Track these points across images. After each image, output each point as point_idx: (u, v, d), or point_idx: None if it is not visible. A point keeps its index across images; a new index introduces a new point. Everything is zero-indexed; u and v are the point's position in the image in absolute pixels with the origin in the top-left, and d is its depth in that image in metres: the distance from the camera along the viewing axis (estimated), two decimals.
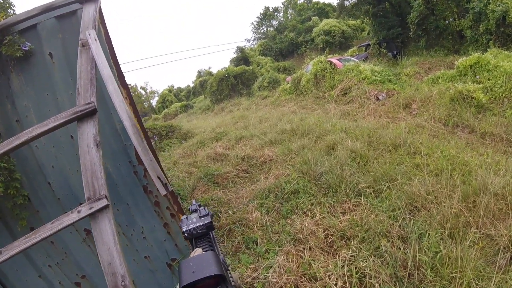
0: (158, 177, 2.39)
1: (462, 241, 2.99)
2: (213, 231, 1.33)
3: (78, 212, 2.19)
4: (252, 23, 41.91)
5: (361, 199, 4.24)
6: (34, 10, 3.23)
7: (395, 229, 3.42)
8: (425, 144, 5.68)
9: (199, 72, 41.23)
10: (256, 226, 4.38)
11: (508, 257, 2.94)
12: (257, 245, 4.02)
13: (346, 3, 21.92)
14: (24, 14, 3.22)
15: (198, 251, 1.20)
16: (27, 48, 3.22)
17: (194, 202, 1.45)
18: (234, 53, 32.20)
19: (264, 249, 3.78)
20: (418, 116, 7.98)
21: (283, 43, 32.43)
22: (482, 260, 2.89)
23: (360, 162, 5.34)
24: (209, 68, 40.27)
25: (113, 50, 3.47)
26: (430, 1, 16.33)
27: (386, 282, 2.80)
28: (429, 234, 3.17)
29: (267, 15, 39.01)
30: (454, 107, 7.49)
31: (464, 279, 2.57)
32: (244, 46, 34.86)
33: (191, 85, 42.16)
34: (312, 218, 4.08)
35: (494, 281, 2.54)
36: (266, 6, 40.82)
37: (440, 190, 3.86)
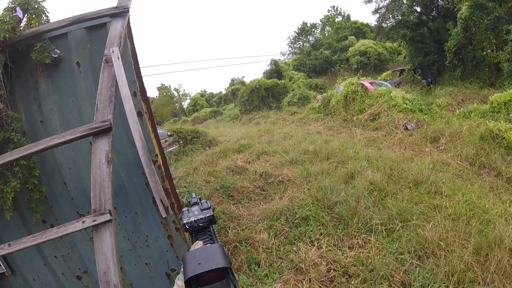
0: (161, 200, 2.48)
1: None
2: (214, 225, 1.28)
3: (83, 222, 2.39)
4: (289, 37, 42.03)
5: (371, 236, 4.15)
6: (65, 20, 3.42)
7: (399, 274, 3.31)
8: (447, 184, 5.47)
9: (232, 80, 41.98)
10: (262, 247, 4.38)
11: None
12: (259, 266, 4.02)
13: (384, 25, 21.65)
14: (56, 24, 3.43)
15: (198, 244, 1.17)
16: (56, 56, 3.43)
17: (193, 195, 1.41)
18: (268, 66, 32.54)
19: (264, 273, 3.77)
20: (445, 152, 7.71)
21: (317, 60, 32.40)
22: None
23: (378, 195, 5.21)
24: (243, 77, 40.82)
25: (138, 65, 3.60)
26: (469, 30, 15.86)
27: None
28: (431, 286, 3.04)
29: (304, 31, 39.15)
30: (483, 146, 7.16)
31: None
32: (279, 59, 35.13)
33: (223, 92, 42.92)
34: (318, 249, 4.04)
35: None
36: (304, 22, 41.11)
37: (454, 238, 3.70)
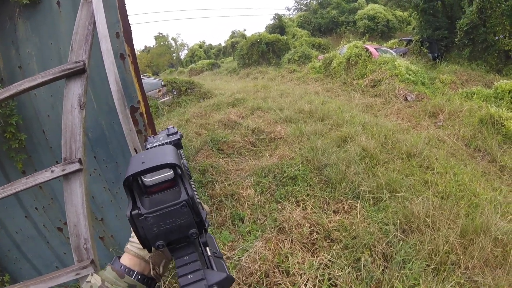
0: (135, 149, 2.34)
1: (445, 281, 2.84)
2: (182, 150, 1.15)
3: (52, 171, 2.26)
4: None
5: (358, 203, 4.10)
6: None
7: (382, 245, 3.29)
8: (441, 161, 5.43)
9: (232, 32, 40.85)
10: (247, 203, 4.33)
11: None
12: (242, 222, 3.98)
13: None
14: None
15: None
16: None
17: (170, 126, 1.24)
18: (271, 20, 31.52)
19: (247, 229, 3.73)
20: (442, 129, 7.69)
21: (323, 19, 31.22)
22: None
23: (369, 162, 5.15)
24: (244, 30, 39.56)
25: (123, 3, 3.24)
26: (484, 12, 15.29)
27: None
28: (413, 262, 3.03)
29: None
30: (481, 129, 7.13)
31: None
32: (283, 14, 34.06)
33: (223, 44, 41.74)
34: (303, 209, 3.99)
35: None
36: None
37: (441, 216, 3.68)
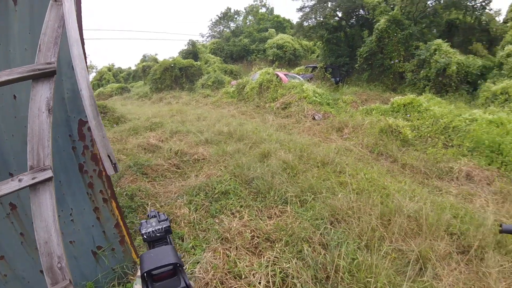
0: (108, 156, 2.23)
1: (377, 252, 3.27)
2: (170, 235, 1.40)
3: (19, 180, 1.94)
4: (211, 20, 41.52)
5: (287, 207, 4.43)
6: None
7: (316, 236, 3.63)
8: (351, 166, 6.10)
9: (144, 56, 39.80)
10: (184, 222, 4.33)
11: (416, 269, 3.30)
12: (183, 240, 3.97)
13: (305, 24, 22.74)
14: None
15: None
16: None
17: (153, 210, 1.53)
18: (185, 46, 31.67)
19: (190, 245, 3.76)
20: (348, 140, 8.57)
21: (235, 46, 32.61)
22: (393, 269, 3.19)
23: (290, 173, 5.59)
24: (156, 54, 38.77)
25: (81, 13, 3.04)
26: (382, 41, 17.82)
27: (307, 282, 2.97)
28: (347, 243, 3.42)
29: (227, 16, 38.92)
30: (382, 137, 8.18)
31: (378, 284, 2.84)
32: (197, 40, 34.57)
33: (133, 68, 40.32)
34: (240, 219, 4.16)
35: None
36: (229, 7, 40.89)
37: (360, 207, 4.18)
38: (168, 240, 1.39)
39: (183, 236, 4.04)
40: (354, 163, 6.48)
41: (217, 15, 41.14)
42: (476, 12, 19.18)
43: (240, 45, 32.57)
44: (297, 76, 17.48)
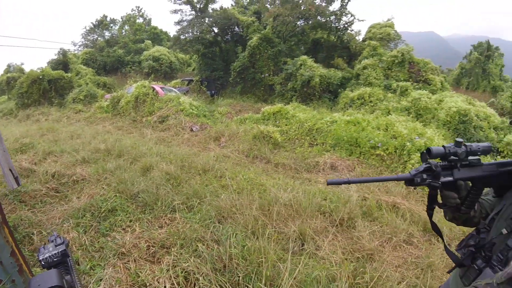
0: (10, 170, 2.12)
1: (262, 236, 3.70)
2: (69, 258, 1.38)
3: None
4: (85, 27, 37.72)
5: (176, 214, 4.58)
6: None
7: (208, 234, 3.92)
8: (230, 170, 6.59)
9: (8, 66, 33.71)
10: (75, 246, 4.13)
11: (298, 245, 3.89)
12: (79, 264, 3.81)
13: (183, 37, 23.04)
14: None
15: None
16: None
17: (55, 233, 1.48)
18: (56, 55, 28.34)
19: (88, 266, 3.65)
20: (225, 148, 9.14)
21: (109, 57, 30.93)
22: (279, 248, 3.68)
23: (174, 182, 5.76)
24: (22, 64, 33.24)
25: None
26: (254, 56, 19.36)
27: (208, 274, 3.19)
28: (236, 234, 3.79)
29: (102, 24, 36.63)
30: (256, 143, 9.03)
31: (269, 262, 3.22)
32: (69, 50, 31.33)
33: None
34: (132, 233, 4.18)
35: (291, 262, 3.29)
36: (105, 15, 38.32)
37: (242, 203, 4.62)
38: (69, 264, 1.37)
39: (78, 260, 3.89)
40: (233, 167, 7.00)
41: (91, 23, 38.01)
42: (339, 32, 22.47)
43: (114, 56, 31.04)
44: (174, 89, 17.61)
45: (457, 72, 33.86)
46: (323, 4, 21.72)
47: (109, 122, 13.96)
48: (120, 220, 4.56)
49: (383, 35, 21.47)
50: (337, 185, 1.52)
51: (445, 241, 1.82)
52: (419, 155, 6.37)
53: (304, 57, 18.30)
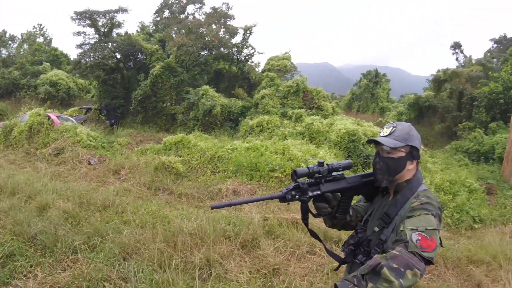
0: None
1: (169, 268, 3.91)
2: None
3: None
4: None
5: (78, 255, 4.49)
6: None
7: (114, 273, 3.96)
8: (131, 204, 6.56)
9: None
10: None
11: (206, 272, 4.13)
12: None
13: (83, 61, 21.89)
14: None
15: None
16: None
17: None
18: None
19: None
20: (126, 181, 8.96)
21: (4, 79, 27.39)
22: (187, 276, 3.91)
23: (73, 221, 5.60)
24: None
25: None
26: (156, 85, 19.42)
27: None
28: (142, 269, 3.94)
29: (0, 40, 33.03)
30: (157, 174, 9.06)
31: None
32: None
33: None
34: (34, 279, 4.00)
35: None
36: (5, 30, 34.85)
37: (146, 237, 4.75)
38: None
39: None
40: (134, 201, 6.98)
41: None
42: (240, 64, 23.84)
43: (9, 78, 27.46)
44: (70, 118, 16.60)
45: (349, 97, 38.46)
46: (226, 36, 22.81)
47: (1, 155, 12.58)
48: (20, 266, 4.34)
49: (281, 67, 23.34)
50: (220, 208, 1.75)
51: (325, 244, 2.06)
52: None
53: (206, 87, 19.04)
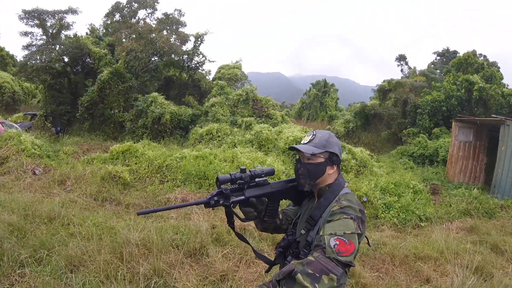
0: None
1: (116, 279, 4.07)
2: None
3: None
4: None
5: (25, 269, 4.46)
6: None
7: (61, 286, 4.05)
8: (77, 216, 6.48)
9: None
10: None
11: (153, 282, 4.24)
12: None
13: (29, 64, 20.59)
14: None
15: None
16: None
17: None
18: None
19: None
20: (71, 192, 8.73)
21: None
22: (134, 287, 4.06)
23: (18, 234, 5.52)
24: None
25: None
26: (104, 91, 18.75)
27: None
28: (89, 281, 4.06)
29: None
30: (104, 184, 8.85)
31: None
32: None
33: None
34: None
35: None
36: None
37: (92, 249, 4.76)
38: None
39: None
40: (81, 212, 6.91)
41: None
42: (191, 71, 23.71)
43: None
44: (15, 125, 15.79)
45: (299, 106, 39.75)
46: (177, 43, 22.65)
47: None
48: None
49: (231, 76, 23.62)
50: (146, 214, 1.79)
51: (253, 247, 2.09)
52: None
53: (155, 94, 18.69)
